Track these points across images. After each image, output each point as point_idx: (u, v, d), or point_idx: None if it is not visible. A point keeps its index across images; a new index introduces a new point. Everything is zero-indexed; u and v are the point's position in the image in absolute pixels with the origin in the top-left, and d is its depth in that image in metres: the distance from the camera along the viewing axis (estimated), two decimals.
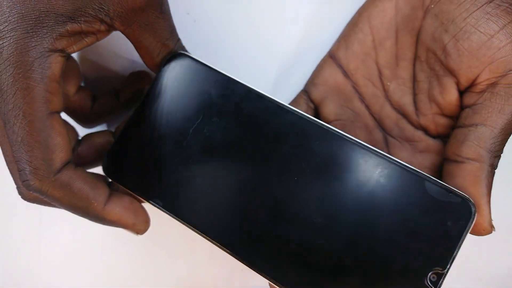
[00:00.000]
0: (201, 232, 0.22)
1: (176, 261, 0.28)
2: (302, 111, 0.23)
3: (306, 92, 0.26)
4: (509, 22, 0.20)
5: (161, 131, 0.23)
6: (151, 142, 0.23)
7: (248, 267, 0.21)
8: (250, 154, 0.22)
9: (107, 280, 0.29)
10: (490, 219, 0.20)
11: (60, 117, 0.21)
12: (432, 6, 0.22)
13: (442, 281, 0.19)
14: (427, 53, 0.22)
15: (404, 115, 0.24)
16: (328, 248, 0.20)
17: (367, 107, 0.25)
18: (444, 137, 0.23)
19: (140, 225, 0.23)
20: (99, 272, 0.30)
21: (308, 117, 0.21)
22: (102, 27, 0.21)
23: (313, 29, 0.28)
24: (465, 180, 0.20)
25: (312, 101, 0.26)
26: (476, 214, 0.19)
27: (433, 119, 0.23)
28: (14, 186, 0.21)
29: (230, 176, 0.22)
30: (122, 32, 0.22)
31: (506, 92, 0.20)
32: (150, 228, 0.25)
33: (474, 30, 0.20)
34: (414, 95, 0.24)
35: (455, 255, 0.19)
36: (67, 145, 0.21)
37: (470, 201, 0.19)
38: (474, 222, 0.19)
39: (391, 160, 0.20)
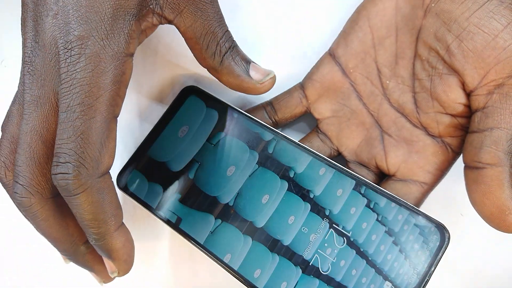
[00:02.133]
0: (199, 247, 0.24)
1: (177, 263, 0.28)
2: (294, 103, 0.26)
3: (302, 86, 0.26)
4: None
5: (170, 155, 0.25)
6: (160, 164, 0.25)
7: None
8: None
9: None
10: None
11: (117, 122, 0.21)
12: (432, 5, 0.22)
13: None
14: (429, 52, 0.22)
15: (403, 113, 0.24)
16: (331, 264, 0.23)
17: (365, 105, 0.25)
18: (444, 138, 0.23)
19: (126, 266, 0.22)
20: None
21: (310, 151, 0.24)
22: (154, 20, 0.21)
23: (313, 25, 0.28)
24: (489, 185, 0.20)
25: (306, 96, 0.26)
26: (450, 239, 0.21)
27: (435, 117, 0.23)
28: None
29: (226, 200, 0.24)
30: (171, 22, 0.22)
31: None
32: (151, 232, 0.27)
33: (478, 30, 0.20)
34: (414, 93, 0.23)
35: (431, 274, 0.21)
36: (114, 152, 0.21)
37: (445, 227, 0.22)
38: (448, 245, 0.21)
39: (380, 191, 0.23)
